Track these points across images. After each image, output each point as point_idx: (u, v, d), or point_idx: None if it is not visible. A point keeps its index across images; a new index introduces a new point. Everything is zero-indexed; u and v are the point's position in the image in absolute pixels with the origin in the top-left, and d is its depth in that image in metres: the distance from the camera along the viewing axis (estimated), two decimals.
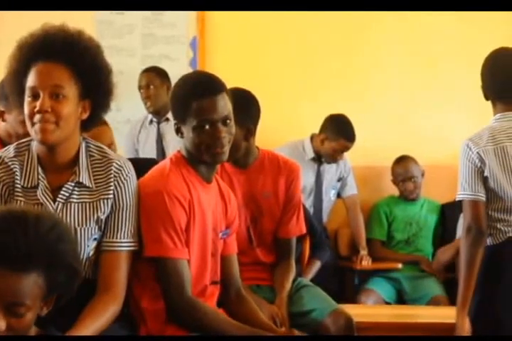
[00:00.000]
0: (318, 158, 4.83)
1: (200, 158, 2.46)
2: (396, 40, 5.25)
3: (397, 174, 4.92)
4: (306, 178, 4.66)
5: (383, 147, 5.07)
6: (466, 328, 2.79)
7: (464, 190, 2.81)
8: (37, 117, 2.20)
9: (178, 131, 2.49)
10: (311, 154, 4.83)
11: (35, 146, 2.29)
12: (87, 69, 2.25)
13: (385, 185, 5.06)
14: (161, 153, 4.89)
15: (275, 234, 3.09)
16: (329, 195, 4.92)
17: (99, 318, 2.20)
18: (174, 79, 4.98)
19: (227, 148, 2.47)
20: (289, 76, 5.20)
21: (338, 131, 4.68)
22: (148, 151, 4.87)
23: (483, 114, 5.23)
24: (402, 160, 4.92)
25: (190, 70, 5.25)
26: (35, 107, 2.20)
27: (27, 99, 2.23)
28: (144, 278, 2.40)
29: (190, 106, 2.42)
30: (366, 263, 4.74)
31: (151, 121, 4.99)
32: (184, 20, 5.24)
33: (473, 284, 2.81)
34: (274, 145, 4.36)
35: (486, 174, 2.77)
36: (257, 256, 3.03)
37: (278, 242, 3.09)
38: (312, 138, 4.84)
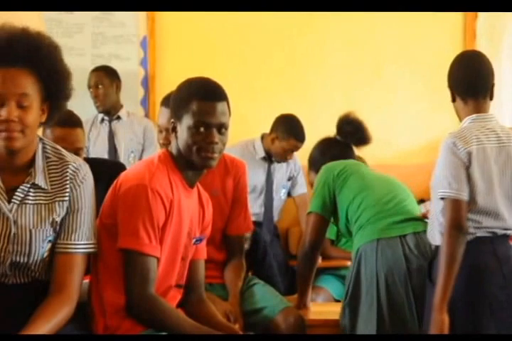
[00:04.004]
0: (269, 158, 4.87)
1: (190, 159, 2.47)
2: (339, 40, 5.31)
3: None
4: (256, 177, 4.69)
5: None
6: (446, 325, 2.70)
7: (449, 188, 2.72)
8: (2, 125, 2.16)
9: (173, 129, 2.51)
10: (261, 153, 4.86)
11: None
12: (50, 74, 2.22)
13: None
14: (113, 151, 4.89)
15: (224, 231, 3.13)
16: (280, 194, 4.96)
17: (52, 319, 2.19)
18: (125, 78, 5.05)
19: (217, 156, 2.48)
20: (237, 75, 5.22)
21: (289, 130, 4.72)
22: (99, 149, 4.86)
23: (427, 115, 5.36)
24: None
25: (140, 70, 5.27)
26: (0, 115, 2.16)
27: None
28: (112, 269, 2.40)
29: (190, 105, 2.45)
30: None
31: (103, 120, 4.99)
32: (134, 20, 5.23)
33: (452, 283, 2.71)
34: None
35: (469, 173, 2.73)
36: (208, 254, 3.04)
37: (228, 240, 3.13)
38: (263, 137, 4.87)
